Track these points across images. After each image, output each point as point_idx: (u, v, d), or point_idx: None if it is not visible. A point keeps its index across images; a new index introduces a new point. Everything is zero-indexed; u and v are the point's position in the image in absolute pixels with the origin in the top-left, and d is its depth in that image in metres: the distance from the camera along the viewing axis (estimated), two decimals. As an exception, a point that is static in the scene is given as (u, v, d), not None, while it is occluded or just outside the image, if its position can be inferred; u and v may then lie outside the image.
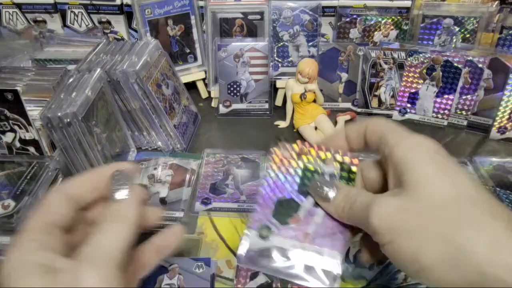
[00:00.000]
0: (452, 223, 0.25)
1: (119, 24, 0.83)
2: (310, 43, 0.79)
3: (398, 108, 0.78)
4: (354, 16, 0.80)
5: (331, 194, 0.33)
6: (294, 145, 0.37)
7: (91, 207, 0.33)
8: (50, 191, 0.32)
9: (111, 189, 0.31)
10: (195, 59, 0.83)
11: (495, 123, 0.71)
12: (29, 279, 0.25)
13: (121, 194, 0.30)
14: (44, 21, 0.84)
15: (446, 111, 0.75)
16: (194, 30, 0.81)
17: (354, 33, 0.82)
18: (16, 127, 0.56)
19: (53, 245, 0.28)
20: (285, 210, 0.35)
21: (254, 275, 0.46)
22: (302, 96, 0.72)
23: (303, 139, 0.72)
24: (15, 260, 0.27)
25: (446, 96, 0.74)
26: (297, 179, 0.36)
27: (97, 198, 0.33)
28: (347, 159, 0.39)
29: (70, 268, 0.25)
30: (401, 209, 0.27)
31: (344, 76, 0.79)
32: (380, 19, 0.80)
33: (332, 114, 0.77)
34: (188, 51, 0.82)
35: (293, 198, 0.35)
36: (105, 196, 0.32)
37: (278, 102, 0.83)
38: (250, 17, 0.78)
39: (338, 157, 0.39)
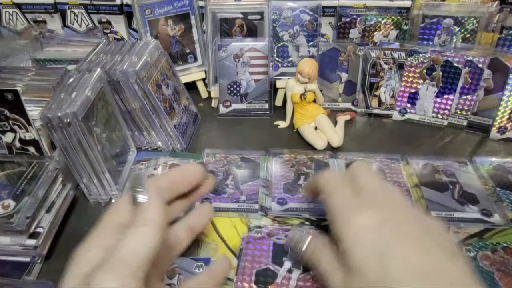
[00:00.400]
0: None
1: (119, 24, 0.83)
2: (310, 43, 0.79)
3: (398, 108, 0.78)
4: (354, 16, 0.80)
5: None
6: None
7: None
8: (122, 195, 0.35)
9: (132, 192, 0.32)
10: (195, 59, 0.83)
11: (495, 123, 0.71)
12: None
13: (142, 197, 0.31)
14: (44, 21, 0.84)
15: (446, 111, 0.75)
16: (194, 30, 0.81)
17: (354, 33, 0.82)
18: (16, 127, 0.56)
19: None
20: (264, 278, 0.46)
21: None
22: (302, 96, 0.72)
23: (303, 139, 0.72)
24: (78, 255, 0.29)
25: (446, 96, 0.74)
26: (270, 253, 0.49)
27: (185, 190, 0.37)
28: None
29: (91, 274, 0.26)
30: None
31: (344, 76, 0.79)
32: (380, 19, 0.80)
33: (332, 114, 0.77)
34: (188, 51, 0.82)
35: (270, 268, 0.47)
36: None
37: (278, 102, 0.83)
38: (250, 17, 0.78)
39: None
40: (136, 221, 0.30)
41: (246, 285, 0.45)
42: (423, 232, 0.34)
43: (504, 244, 0.48)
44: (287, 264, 0.47)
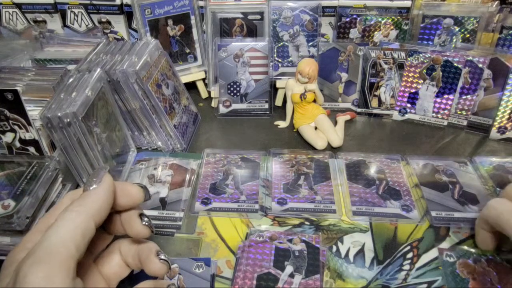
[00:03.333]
0: None
1: (119, 24, 0.83)
2: (310, 43, 0.79)
3: (398, 108, 0.78)
4: (354, 16, 0.80)
5: None
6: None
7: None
8: (63, 197, 0.34)
9: (85, 184, 0.32)
10: (195, 59, 0.83)
11: (495, 123, 0.71)
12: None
13: (92, 187, 0.31)
14: (44, 21, 0.84)
15: (446, 111, 0.75)
16: (194, 30, 0.81)
17: (354, 33, 0.82)
18: (16, 127, 0.56)
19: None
20: (265, 282, 0.46)
21: None
22: (302, 96, 0.72)
23: (303, 139, 0.72)
24: (7, 258, 0.28)
25: (446, 96, 0.74)
26: (272, 257, 0.48)
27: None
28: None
29: (17, 267, 0.26)
30: None
31: (344, 76, 0.79)
32: (380, 19, 0.80)
33: (332, 114, 0.78)
34: (188, 51, 0.82)
35: (271, 272, 0.47)
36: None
37: (278, 102, 0.83)
38: (250, 17, 0.78)
39: (303, 238, 0.51)
40: (69, 205, 0.29)
41: None
42: None
43: (490, 257, 0.48)
44: (289, 269, 0.47)
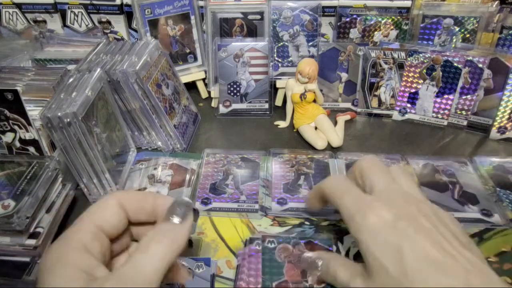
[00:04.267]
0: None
1: (119, 24, 0.83)
2: (310, 43, 0.79)
3: (398, 108, 0.78)
4: (354, 16, 0.80)
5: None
6: None
7: (137, 224, 0.33)
8: (106, 196, 0.32)
9: (168, 212, 0.31)
10: (195, 59, 0.83)
11: (495, 123, 0.71)
12: (68, 282, 0.25)
13: (177, 219, 0.30)
14: (44, 21, 0.84)
15: (446, 111, 0.75)
16: (194, 30, 0.81)
17: (354, 33, 0.82)
18: (16, 127, 0.56)
19: (97, 250, 0.28)
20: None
21: None
22: (302, 96, 0.72)
23: (303, 139, 0.72)
24: (59, 256, 0.27)
25: (446, 96, 0.74)
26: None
27: (143, 219, 0.33)
28: None
29: (107, 281, 0.25)
30: None
31: (344, 76, 0.79)
32: (380, 19, 0.80)
33: (332, 114, 0.77)
34: (188, 51, 0.82)
35: None
36: (150, 221, 0.32)
37: (278, 102, 0.83)
38: (250, 17, 0.78)
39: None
40: (160, 235, 0.29)
41: None
42: (437, 224, 0.35)
43: (311, 240, 0.50)
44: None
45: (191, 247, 0.35)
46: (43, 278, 0.26)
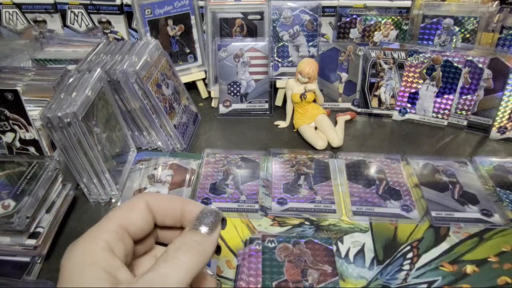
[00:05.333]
0: None
1: (119, 24, 0.83)
2: (310, 43, 0.79)
3: (398, 108, 0.78)
4: (354, 16, 0.80)
5: None
6: None
7: (162, 227, 0.33)
8: (136, 197, 0.31)
9: (197, 221, 0.30)
10: (195, 59, 0.83)
11: (495, 123, 0.71)
12: (93, 282, 0.25)
13: (206, 229, 0.29)
14: (44, 21, 0.84)
15: (446, 111, 0.75)
16: (194, 30, 0.81)
17: (354, 33, 0.82)
18: (16, 127, 0.56)
19: (121, 252, 0.28)
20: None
21: None
22: (302, 96, 0.72)
23: (303, 139, 0.72)
24: (83, 254, 0.26)
25: (446, 96, 0.74)
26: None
27: (170, 223, 0.32)
28: None
29: (131, 286, 0.25)
30: None
31: (344, 76, 0.79)
32: (380, 19, 0.80)
33: (332, 114, 0.77)
34: (188, 51, 0.82)
35: None
36: (177, 226, 0.32)
37: (278, 102, 0.83)
38: (250, 17, 0.78)
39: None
40: (188, 245, 0.28)
41: None
42: None
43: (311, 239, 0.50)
44: None
45: (218, 254, 0.34)
46: (66, 276, 0.26)
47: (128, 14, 0.82)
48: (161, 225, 0.33)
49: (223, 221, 0.31)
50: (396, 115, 0.78)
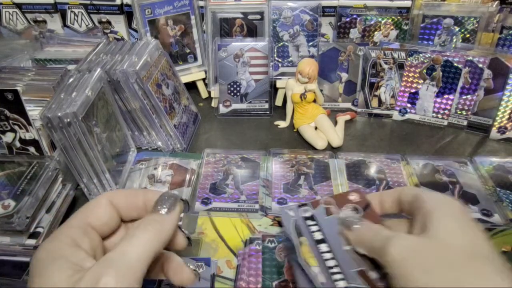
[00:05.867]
0: (466, 274, 0.27)
1: (119, 24, 0.83)
2: (310, 43, 0.79)
3: (398, 108, 0.78)
4: (354, 16, 0.80)
5: (356, 225, 0.36)
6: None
7: (132, 221, 0.34)
8: (99, 195, 0.33)
9: (156, 204, 0.31)
10: (195, 59, 0.83)
11: (495, 123, 0.71)
12: (56, 272, 0.26)
13: (164, 210, 0.31)
14: (44, 21, 0.84)
15: (446, 111, 0.75)
16: (194, 30, 0.81)
17: (354, 33, 0.82)
18: (16, 127, 0.56)
19: (87, 245, 0.29)
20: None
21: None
22: (302, 96, 0.72)
23: (303, 139, 0.72)
24: (48, 250, 0.28)
25: (446, 96, 0.74)
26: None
27: (135, 216, 0.33)
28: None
29: (93, 269, 0.26)
30: (421, 246, 0.30)
31: (344, 76, 0.79)
32: (380, 19, 0.80)
33: (332, 114, 0.78)
34: (188, 51, 0.82)
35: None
36: (143, 217, 0.32)
37: (278, 102, 0.83)
38: (250, 17, 0.78)
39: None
40: (145, 223, 0.29)
41: None
42: None
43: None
44: None
45: (190, 245, 0.35)
46: (33, 272, 0.27)
47: (128, 14, 0.82)
48: (128, 218, 0.34)
49: (186, 204, 0.33)
50: (396, 115, 0.78)
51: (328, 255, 0.36)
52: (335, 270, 0.35)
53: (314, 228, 0.39)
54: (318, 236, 0.38)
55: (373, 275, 0.33)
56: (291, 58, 0.80)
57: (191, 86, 0.83)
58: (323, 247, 0.37)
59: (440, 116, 0.75)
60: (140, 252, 0.27)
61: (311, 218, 0.40)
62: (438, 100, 0.75)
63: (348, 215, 0.38)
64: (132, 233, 0.28)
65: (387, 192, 0.39)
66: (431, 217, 0.31)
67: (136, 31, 0.83)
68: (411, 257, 0.29)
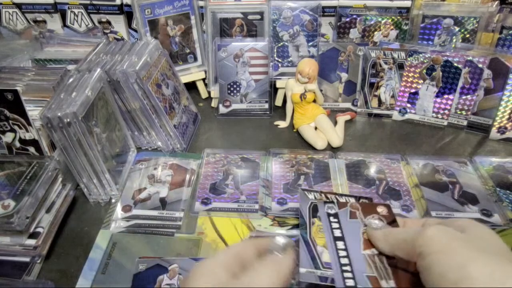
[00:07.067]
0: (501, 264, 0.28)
1: (119, 24, 0.83)
2: (310, 43, 0.79)
3: (398, 108, 0.78)
4: (354, 16, 0.80)
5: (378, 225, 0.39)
6: None
7: None
8: (246, 240, 0.37)
9: (269, 250, 0.33)
10: (195, 59, 0.83)
11: (495, 123, 0.71)
12: (214, 279, 0.29)
13: (278, 254, 0.33)
14: (44, 21, 0.84)
15: (446, 111, 0.75)
16: (194, 30, 0.81)
17: (354, 33, 0.82)
18: (16, 127, 0.56)
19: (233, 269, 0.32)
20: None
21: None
22: (302, 96, 0.72)
23: (303, 139, 0.72)
24: (205, 267, 0.31)
25: (446, 96, 0.74)
26: None
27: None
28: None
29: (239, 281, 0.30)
30: (453, 233, 0.31)
31: (344, 76, 0.79)
32: (380, 19, 0.80)
33: (332, 114, 0.77)
34: (188, 51, 0.82)
35: None
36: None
37: (278, 102, 0.83)
38: (250, 17, 0.78)
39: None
40: (267, 261, 0.32)
41: None
42: None
43: None
44: None
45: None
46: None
47: (128, 14, 0.82)
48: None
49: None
50: (396, 115, 0.78)
51: (343, 253, 0.38)
52: (346, 268, 0.36)
53: (335, 225, 0.41)
54: (337, 233, 0.40)
55: (384, 284, 0.34)
56: (291, 58, 0.80)
57: (191, 86, 0.83)
58: (340, 244, 0.39)
59: (440, 116, 0.75)
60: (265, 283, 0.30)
61: (335, 215, 0.42)
62: (438, 100, 0.75)
63: (372, 223, 0.40)
64: (253, 269, 0.31)
65: (412, 219, 0.43)
66: (463, 226, 0.33)
67: (136, 31, 0.83)
68: (449, 231, 0.31)
